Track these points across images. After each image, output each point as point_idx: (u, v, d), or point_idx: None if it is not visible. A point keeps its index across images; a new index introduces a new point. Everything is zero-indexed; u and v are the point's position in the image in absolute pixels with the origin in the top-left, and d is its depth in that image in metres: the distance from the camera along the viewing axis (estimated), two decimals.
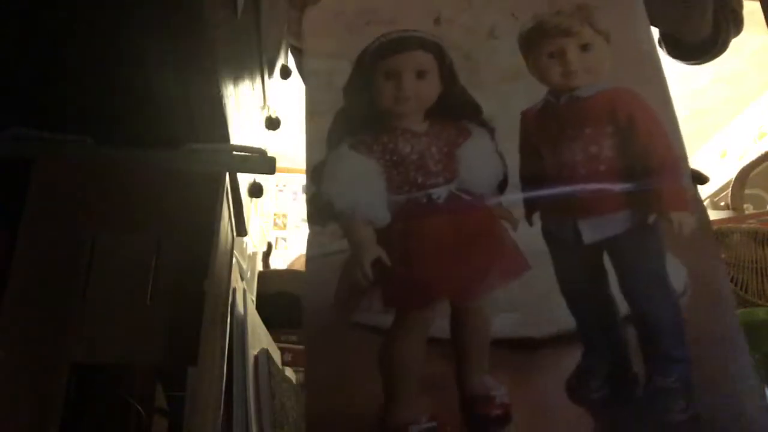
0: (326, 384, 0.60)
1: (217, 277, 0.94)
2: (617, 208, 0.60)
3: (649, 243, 0.59)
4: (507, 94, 0.66)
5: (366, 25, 0.71)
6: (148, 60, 0.85)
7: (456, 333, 0.59)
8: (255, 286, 1.98)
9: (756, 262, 1.35)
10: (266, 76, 1.38)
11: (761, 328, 1.14)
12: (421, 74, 0.67)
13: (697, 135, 3.50)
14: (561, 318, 0.57)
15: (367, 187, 0.63)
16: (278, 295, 2.17)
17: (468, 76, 0.67)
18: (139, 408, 1.00)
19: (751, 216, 1.61)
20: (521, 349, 0.57)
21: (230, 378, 1.26)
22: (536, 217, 0.60)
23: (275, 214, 3.50)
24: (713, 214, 1.63)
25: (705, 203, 1.95)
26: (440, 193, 0.62)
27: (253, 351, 1.38)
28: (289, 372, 1.73)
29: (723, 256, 1.36)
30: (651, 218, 0.58)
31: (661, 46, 0.89)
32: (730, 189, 1.77)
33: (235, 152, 0.96)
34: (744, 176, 1.78)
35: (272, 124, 1.46)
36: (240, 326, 1.37)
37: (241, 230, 1.25)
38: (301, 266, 2.82)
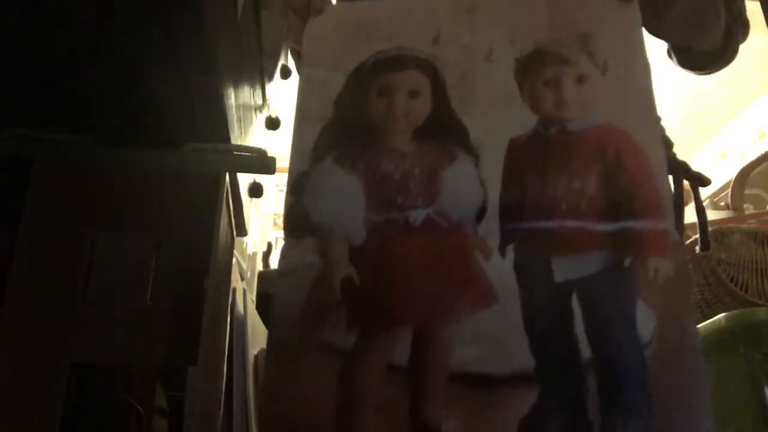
0: (283, 396, 0.59)
1: (217, 277, 0.94)
2: (594, 248, 0.58)
3: (621, 287, 0.57)
4: (497, 118, 0.65)
5: (365, 40, 0.70)
6: (148, 60, 0.85)
7: (415, 362, 0.58)
8: (255, 286, 1.98)
9: (756, 262, 1.35)
10: (266, 77, 1.39)
11: (761, 328, 1.14)
12: (413, 94, 0.66)
13: (697, 135, 3.49)
14: (522, 357, 0.55)
15: (347, 204, 0.63)
16: None
17: (461, 97, 0.66)
18: (139, 408, 1.00)
19: (751, 216, 1.61)
20: (479, 384, 0.56)
21: (230, 378, 1.26)
22: (510, 250, 0.59)
23: (275, 214, 3.49)
24: (713, 214, 1.63)
25: (705, 203, 1.94)
26: (417, 216, 0.61)
27: (253, 351, 1.38)
28: None
29: (723, 256, 1.36)
30: (627, 261, 0.57)
31: (670, 57, 0.88)
32: (730, 189, 1.77)
33: (235, 152, 0.95)
34: (744, 176, 1.77)
35: (272, 124, 1.46)
36: (240, 326, 1.37)
37: (241, 230, 1.25)
38: None
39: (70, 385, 0.80)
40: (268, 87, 1.44)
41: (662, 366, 0.54)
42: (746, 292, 1.34)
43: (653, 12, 0.67)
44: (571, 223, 0.59)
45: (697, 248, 1.29)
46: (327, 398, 0.57)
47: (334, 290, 0.60)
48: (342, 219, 0.62)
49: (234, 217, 1.15)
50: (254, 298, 1.83)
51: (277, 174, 0.97)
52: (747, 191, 1.79)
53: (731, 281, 1.35)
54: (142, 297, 0.83)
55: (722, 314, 1.21)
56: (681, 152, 0.89)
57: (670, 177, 0.84)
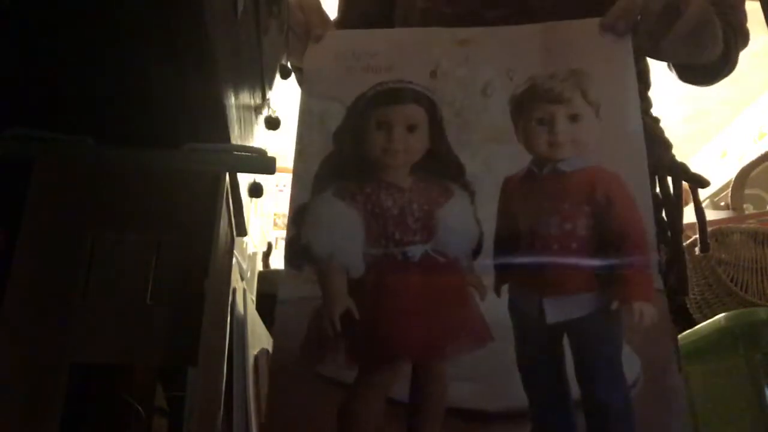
0: (284, 427, 0.60)
1: (217, 277, 0.94)
2: (583, 290, 0.60)
3: (609, 330, 0.59)
4: (492, 156, 0.65)
5: (364, 71, 0.71)
6: (148, 60, 0.85)
7: (414, 397, 0.59)
8: (255, 286, 1.98)
9: (756, 262, 1.35)
10: (266, 77, 1.39)
11: (761, 328, 1.14)
12: (411, 128, 0.67)
13: (697, 135, 3.49)
14: (515, 394, 0.57)
15: (346, 237, 0.63)
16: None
17: (456, 133, 0.67)
18: (139, 408, 1.00)
19: (751, 216, 1.61)
20: (474, 421, 0.57)
21: (230, 378, 1.26)
22: (504, 289, 0.60)
23: (275, 214, 3.49)
24: (713, 214, 1.63)
25: (705, 203, 1.95)
26: (415, 251, 0.62)
27: (253, 351, 1.38)
28: None
29: (723, 256, 1.36)
30: (614, 305, 0.58)
31: (671, 70, 0.88)
32: (730, 189, 1.77)
33: (235, 152, 0.96)
34: (744, 176, 1.78)
35: (272, 124, 1.46)
36: (240, 326, 1.37)
37: (241, 230, 1.25)
38: None
39: (70, 385, 0.80)
40: (268, 87, 1.44)
41: (646, 406, 0.56)
42: (746, 292, 1.34)
43: (650, 36, 0.68)
44: (563, 265, 0.60)
45: (697, 249, 1.29)
46: (327, 431, 0.58)
47: (334, 323, 0.60)
48: (341, 251, 0.63)
49: (234, 217, 1.15)
50: (254, 298, 1.84)
51: (277, 174, 0.98)
52: (747, 191, 1.79)
53: (731, 281, 1.35)
54: (142, 297, 0.83)
55: (722, 314, 1.22)
56: (681, 152, 0.89)
57: (670, 178, 0.84)
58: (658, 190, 0.83)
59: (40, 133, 0.89)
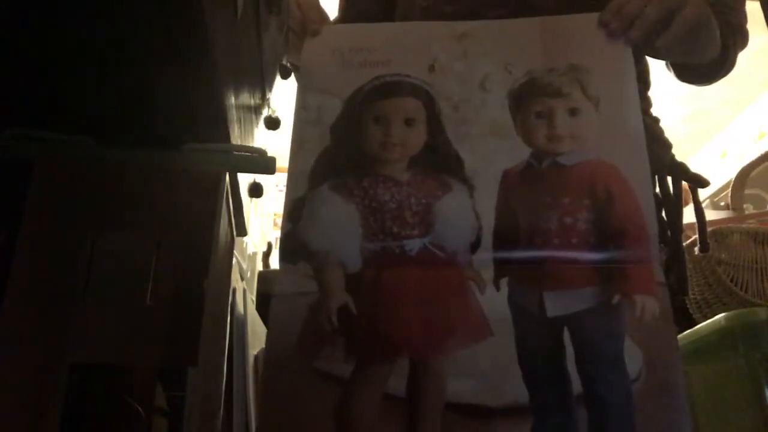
0: (279, 422, 0.59)
1: (217, 277, 0.94)
2: (584, 284, 0.59)
3: (610, 324, 0.59)
4: (491, 150, 0.65)
5: (361, 65, 0.70)
6: (148, 60, 0.85)
7: (412, 392, 0.58)
8: (255, 286, 1.98)
9: (756, 262, 1.35)
10: (266, 77, 1.38)
11: (761, 328, 1.14)
12: (409, 122, 0.66)
13: (697, 135, 3.49)
14: (516, 389, 0.57)
15: (343, 231, 0.63)
16: None
17: (455, 128, 0.66)
18: (139, 408, 1.00)
19: (751, 216, 1.61)
20: (475, 416, 0.57)
21: (230, 378, 1.26)
22: (504, 283, 0.60)
23: (275, 214, 3.49)
24: (713, 214, 1.63)
25: (705, 203, 1.95)
26: (413, 245, 0.62)
27: (253, 351, 1.38)
28: None
29: (723, 256, 1.36)
30: (616, 298, 0.58)
31: (669, 69, 0.88)
32: (730, 189, 1.77)
33: (235, 152, 0.95)
34: (744, 176, 1.77)
35: (272, 124, 1.46)
36: (240, 326, 1.37)
37: (241, 230, 1.25)
38: None
39: (70, 385, 0.80)
40: (268, 87, 1.44)
41: (649, 401, 0.56)
42: (746, 292, 1.34)
43: (646, 35, 0.68)
44: (563, 259, 0.60)
45: (697, 249, 1.29)
46: (323, 427, 0.58)
47: (331, 318, 0.60)
48: (338, 246, 0.63)
49: (234, 217, 1.15)
50: (254, 298, 1.84)
51: (277, 174, 0.97)
52: (747, 191, 1.79)
53: (731, 281, 1.35)
54: (142, 297, 0.83)
55: (722, 314, 1.21)
56: (681, 152, 0.89)
57: (669, 178, 0.84)
58: (657, 189, 0.83)
59: (40, 133, 0.89)
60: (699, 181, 0.85)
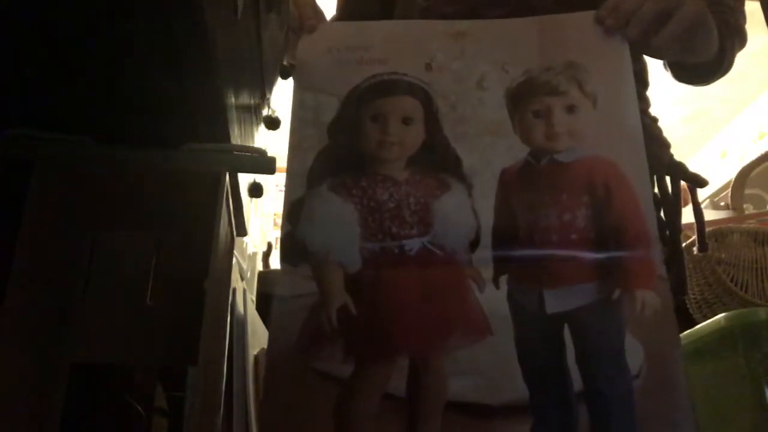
0: (280, 421, 0.59)
1: (217, 277, 0.95)
2: (584, 280, 0.59)
3: (610, 319, 0.58)
4: (488, 148, 0.65)
5: (357, 63, 0.70)
6: (148, 60, 0.85)
7: (412, 391, 0.58)
8: (255, 286, 1.98)
9: (756, 262, 1.35)
10: (266, 76, 1.38)
11: (761, 328, 1.14)
12: (407, 120, 0.66)
13: (697, 135, 3.49)
14: (516, 387, 0.57)
15: (342, 232, 0.63)
16: None
17: (452, 127, 0.66)
18: (139, 408, 1.00)
19: (751, 216, 1.61)
20: (476, 415, 0.57)
21: (230, 378, 1.26)
22: (503, 281, 0.60)
23: (275, 214, 3.49)
24: (713, 214, 1.63)
25: (705, 203, 1.95)
26: (413, 245, 0.62)
27: (253, 351, 1.38)
28: None
29: (723, 256, 1.36)
30: (616, 294, 0.58)
31: (666, 69, 0.88)
32: (730, 189, 1.77)
33: (235, 152, 0.96)
34: (744, 176, 1.78)
35: (272, 124, 1.46)
36: (240, 326, 1.37)
37: (241, 230, 1.25)
38: None
39: (70, 385, 0.80)
40: (268, 87, 1.44)
41: (650, 398, 0.56)
42: (746, 292, 1.34)
43: (643, 34, 0.68)
44: (562, 256, 0.60)
45: (695, 249, 1.29)
46: (323, 427, 0.58)
47: (331, 318, 0.60)
48: (337, 247, 0.63)
49: (234, 217, 1.15)
50: (254, 298, 1.84)
51: (277, 174, 0.97)
52: (747, 191, 1.79)
53: (731, 281, 1.35)
54: (142, 297, 0.83)
55: (722, 314, 1.21)
56: (681, 152, 0.89)
57: (668, 178, 0.84)
58: (656, 189, 0.83)
59: (40, 133, 0.89)
60: (697, 181, 0.85)
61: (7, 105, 0.89)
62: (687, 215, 0.88)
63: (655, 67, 0.88)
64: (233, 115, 0.97)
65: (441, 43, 0.70)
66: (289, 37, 0.77)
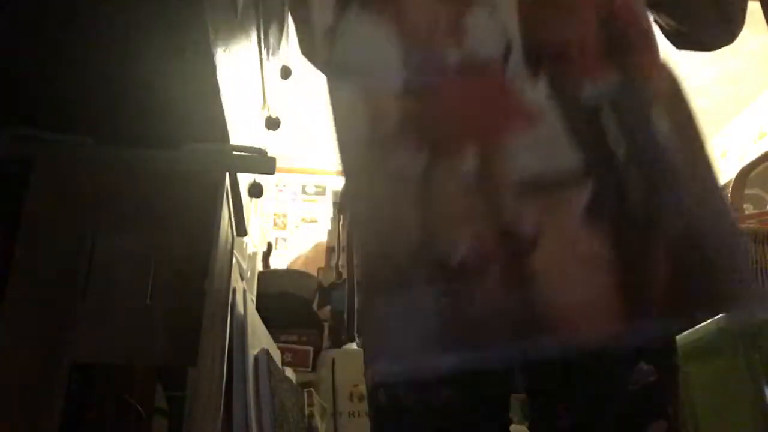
0: (368, 222, 0.68)
1: (217, 277, 0.94)
2: (609, 73, 0.66)
3: (638, 97, 0.66)
4: None
5: None
6: (148, 60, 0.85)
7: (483, 176, 0.63)
8: (255, 286, 1.98)
9: (756, 262, 1.35)
10: (266, 76, 1.38)
11: (761, 328, 1.14)
12: None
13: None
14: (574, 161, 0.63)
15: (382, 50, 0.67)
16: (278, 295, 2.17)
17: None
18: (139, 408, 1.00)
19: (751, 216, 1.61)
20: (542, 188, 0.62)
21: (230, 378, 1.26)
22: (539, 81, 0.65)
23: (275, 214, 3.50)
24: None
25: None
26: (451, 55, 0.66)
27: (253, 351, 1.38)
28: (289, 372, 1.73)
29: None
30: (638, 80, 0.67)
31: (667, 37, 0.88)
32: (730, 189, 1.77)
33: (235, 152, 0.95)
34: (744, 176, 1.77)
35: (272, 124, 1.46)
36: (240, 326, 1.37)
37: (241, 230, 1.25)
38: (301, 266, 2.82)
39: (70, 385, 0.80)
40: (268, 87, 1.44)
41: (679, 151, 0.67)
42: None
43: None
44: (588, 53, 0.66)
45: None
46: (407, 220, 0.64)
47: (390, 123, 0.65)
48: (379, 65, 0.67)
49: (234, 217, 1.15)
50: (254, 298, 1.84)
51: (277, 174, 0.98)
52: (747, 191, 1.79)
53: None
54: (142, 297, 0.83)
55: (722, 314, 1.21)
56: None
57: None
58: None
59: (40, 133, 0.89)
60: None
61: (7, 105, 0.89)
62: None
63: None
64: (233, 115, 0.97)
65: None
66: (298, 32, 0.79)
